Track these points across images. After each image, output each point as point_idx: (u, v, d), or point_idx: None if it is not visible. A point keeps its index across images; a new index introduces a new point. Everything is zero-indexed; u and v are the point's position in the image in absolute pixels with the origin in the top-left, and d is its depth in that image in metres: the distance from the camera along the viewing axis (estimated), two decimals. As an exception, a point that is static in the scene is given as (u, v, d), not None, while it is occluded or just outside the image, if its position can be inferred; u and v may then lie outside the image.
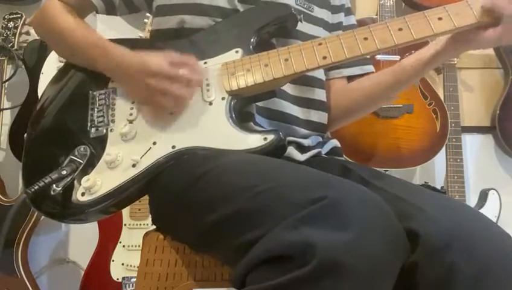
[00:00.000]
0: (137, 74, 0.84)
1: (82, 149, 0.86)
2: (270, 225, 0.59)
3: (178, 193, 0.77)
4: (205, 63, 0.89)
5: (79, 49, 0.93)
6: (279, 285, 0.55)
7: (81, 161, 0.84)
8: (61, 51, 1.03)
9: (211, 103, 0.85)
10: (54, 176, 0.81)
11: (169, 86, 0.82)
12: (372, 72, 1.09)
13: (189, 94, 0.84)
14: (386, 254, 0.57)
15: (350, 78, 1.11)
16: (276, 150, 0.79)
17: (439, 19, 0.79)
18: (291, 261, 0.55)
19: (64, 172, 0.82)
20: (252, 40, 0.90)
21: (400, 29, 0.81)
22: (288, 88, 0.95)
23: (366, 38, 0.82)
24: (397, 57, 1.82)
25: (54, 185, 0.83)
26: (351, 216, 0.57)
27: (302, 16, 0.97)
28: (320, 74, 1.01)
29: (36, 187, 0.80)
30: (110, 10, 1.02)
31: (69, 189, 0.83)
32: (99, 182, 0.81)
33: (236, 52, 0.89)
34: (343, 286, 0.54)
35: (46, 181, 0.81)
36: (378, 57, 1.82)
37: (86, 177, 0.82)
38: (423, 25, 0.80)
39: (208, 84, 0.86)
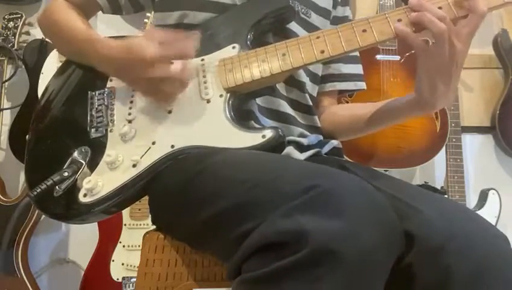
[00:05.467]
0: (133, 67, 0.80)
1: (83, 150, 0.86)
2: (265, 215, 0.59)
3: (176, 191, 0.77)
4: (202, 60, 0.88)
5: (73, 44, 0.93)
6: (273, 272, 0.55)
7: (82, 162, 0.84)
8: (61, 48, 1.03)
9: (208, 101, 0.85)
10: (56, 178, 0.82)
11: (169, 71, 0.79)
12: (364, 90, 1.11)
13: (188, 71, 0.81)
14: (379, 243, 0.57)
15: (341, 93, 1.12)
16: (274, 148, 0.79)
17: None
18: (284, 249, 0.55)
19: (66, 174, 0.82)
20: (248, 35, 0.90)
21: (399, 20, 0.80)
22: (284, 90, 0.95)
23: (364, 31, 0.81)
24: (397, 57, 1.82)
25: (57, 187, 0.83)
26: (344, 204, 0.57)
27: (300, 14, 0.97)
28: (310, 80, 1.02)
29: (39, 190, 0.80)
30: (116, 9, 1.02)
31: (71, 190, 0.83)
32: (100, 183, 0.81)
33: (233, 47, 0.88)
34: (335, 273, 0.54)
35: (48, 183, 0.81)
36: (378, 57, 1.82)
37: (87, 178, 0.82)
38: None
39: (205, 82, 0.86)
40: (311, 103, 1.01)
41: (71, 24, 0.95)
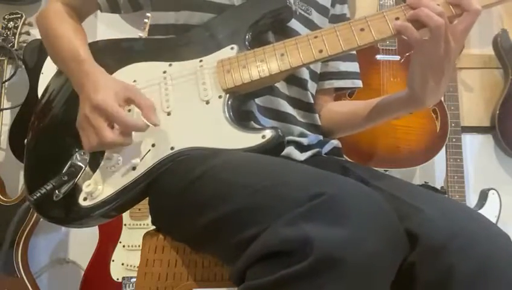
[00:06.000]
0: (83, 100, 0.81)
1: (82, 153, 0.85)
2: (269, 221, 0.59)
3: (177, 193, 0.77)
4: (201, 61, 0.88)
5: (58, 57, 0.92)
6: (277, 280, 0.55)
7: (82, 166, 0.84)
8: (51, 55, 1.00)
9: (207, 102, 0.84)
10: (55, 182, 0.81)
11: (103, 129, 0.78)
12: (360, 87, 1.11)
13: (115, 140, 0.79)
14: (384, 251, 0.57)
15: (338, 91, 1.12)
16: (274, 148, 0.79)
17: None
18: (289, 257, 0.55)
19: (65, 177, 0.82)
20: (247, 35, 0.90)
21: (397, 19, 0.80)
22: (285, 88, 0.95)
23: (362, 29, 0.81)
24: (397, 57, 1.82)
25: (56, 191, 0.83)
26: (348, 212, 0.57)
27: (300, 12, 0.97)
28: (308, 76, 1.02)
29: (38, 194, 0.80)
30: (114, 8, 1.01)
31: (71, 194, 0.83)
32: (100, 187, 0.81)
33: (232, 48, 0.88)
34: (340, 281, 0.54)
35: (48, 187, 0.81)
36: (378, 57, 1.82)
37: (87, 182, 0.82)
38: None
39: (204, 83, 0.86)
40: (312, 101, 1.01)
41: (60, 34, 0.93)
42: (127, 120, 0.79)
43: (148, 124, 0.80)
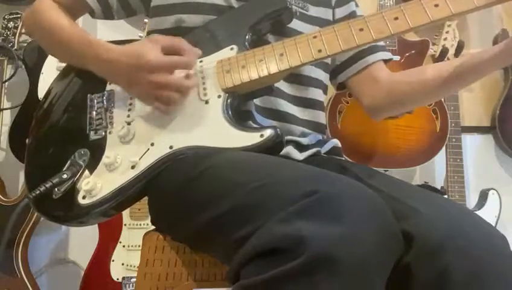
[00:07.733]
0: (136, 71, 0.82)
1: (82, 152, 0.86)
2: (264, 219, 0.59)
3: (175, 192, 0.77)
4: (201, 61, 0.89)
5: (67, 45, 0.93)
6: (271, 278, 0.55)
7: (81, 164, 0.85)
8: (51, 49, 1.02)
9: (207, 102, 0.85)
10: (55, 180, 0.82)
11: (171, 77, 0.81)
12: (391, 59, 1.08)
13: (191, 82, 0.84)
14: (378, 248, 0.57)
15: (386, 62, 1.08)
16: (273, 147, 0.79)
17: (436, 5, 0.78)
18: (283, 255, 0.55)
19: (65, 176, 0.83)
20: (246, 36, 0.90)
21: (396, 19, 0.80)
22: (284, 87, 0.95)
23: (361, 29, 0.81)
24: (397, 57, 1.82)
25: (56, 189, 0.83)
26: (343, 210, 0.57)
27: (298, 10, 0.97)
28: (315, 73, 1.01)
29: (38, 192, 0.81)
30: (107, 14, 1.02)
31: (70, 192, 0.83)
32: (99, 185, 0.82)
33: (231, 49, 0.89)
34: (334, 279, 0.54)
35: (47, 185, 0.81)
36: (379, 57, 1.82)
37: (86, 180, 0.82)
38: (419, 13, 0.79)
39: (203, 83, 0.86)
40: (314, 97, 1.00)
41: (62, 23, 0.95)
42: (187, 60, 0.83)
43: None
